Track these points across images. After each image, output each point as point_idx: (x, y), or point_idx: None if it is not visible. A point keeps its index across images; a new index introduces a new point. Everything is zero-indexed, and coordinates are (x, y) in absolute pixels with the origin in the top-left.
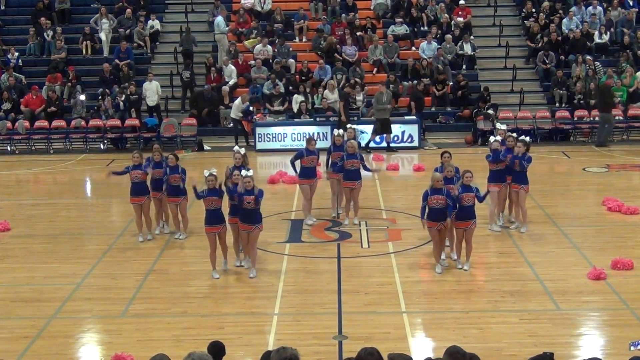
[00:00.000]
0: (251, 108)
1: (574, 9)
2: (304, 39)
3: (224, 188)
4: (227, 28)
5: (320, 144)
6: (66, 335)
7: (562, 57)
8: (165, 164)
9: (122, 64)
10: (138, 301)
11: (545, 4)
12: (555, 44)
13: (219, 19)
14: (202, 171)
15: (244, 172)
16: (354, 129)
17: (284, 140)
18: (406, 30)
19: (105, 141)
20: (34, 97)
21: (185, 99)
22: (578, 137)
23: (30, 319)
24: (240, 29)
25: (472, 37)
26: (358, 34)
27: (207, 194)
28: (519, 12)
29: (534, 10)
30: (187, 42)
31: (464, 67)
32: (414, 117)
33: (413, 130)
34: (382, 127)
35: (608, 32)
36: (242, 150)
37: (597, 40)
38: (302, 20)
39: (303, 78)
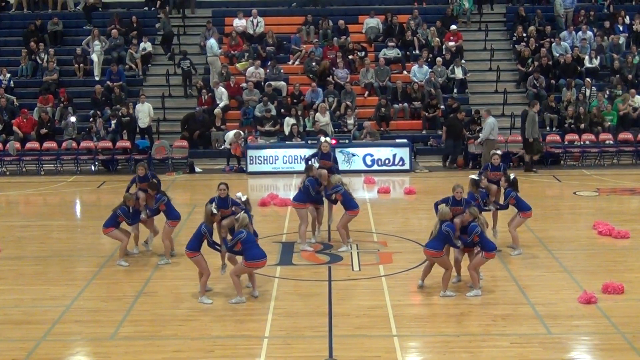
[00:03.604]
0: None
1: (564, 33)
2: (297, 62)
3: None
4: (219, 50)
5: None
6: (55, 358)
7: (553, 82)
8: (152, 176)
9: (114, 85)
10: (128, 324)
11: (532, 28)
12: (545, 68)
13: (212, 42)
14: (193, 193)
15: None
16: (328, 142)
17: (275, 163)
18: (398, 54)
19: (97, 163)
20: (24, 120)
21: (187, 87)
22: (569, 161)
23: (19, 342)
24: (232, 52)
25: (463, 61)
26: (350, 57)
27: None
28: (510, 36)
29: (524, 34)
30: (167, 25)
31: (455, 90)
32: (405, 141)
33: (404, 153)
34: (537, 147)
35: (598, 57)
36: (244, 197)
37: (587, 64)
38: (296, 45)
39: (295, 101)
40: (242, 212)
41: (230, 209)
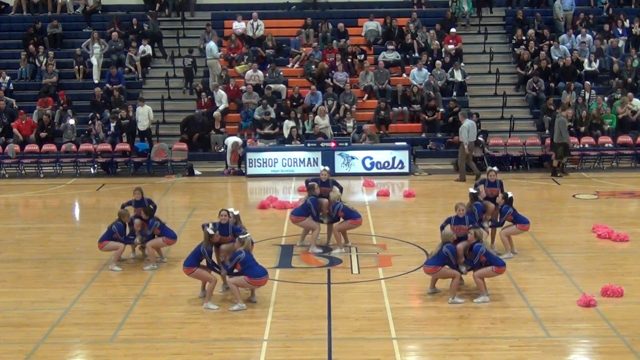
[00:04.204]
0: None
1: (563, 36)
2: (296, 65)
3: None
4: (219, 53)
5: (310, 170)
6: None
7: (552, 85)
8: (148, 202)
9: (114, 88)
10: (127, 326)
11: (531, 31)
12: (545, 72)
13: (212, 45)
14: (193, 196)
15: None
16: (327, 171)
17: (274, 166)
18: (397, 57)
19: (96, 165)
20: (23, 122)
21: (187, 85)
22: (568, 164)
23: (18, 344)
24: (231, 55)
25: (462, 64)
26: (348, 60)
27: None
28: (509, 39)
29: (524, 37)
30: (155, 26)
31: (455, 93)
32: (404, 143)
33: (403, 156)
34: (565, 151)
35: (598, 60)
36: (236, 212)
37: (586, 67)
38: (296, 48)
39: (294, 104)
40: (247, 235)
41: (230, 235)
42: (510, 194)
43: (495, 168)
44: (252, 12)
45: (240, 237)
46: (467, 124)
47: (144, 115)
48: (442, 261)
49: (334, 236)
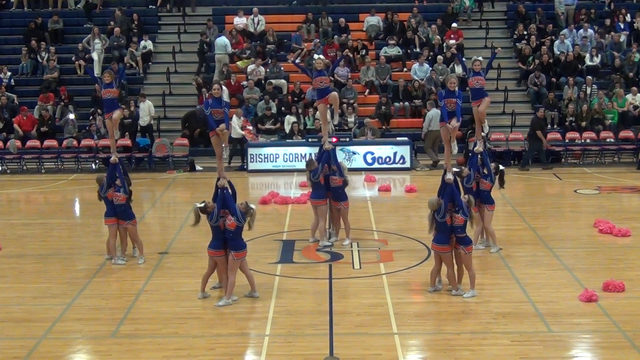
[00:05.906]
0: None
1: (565, 31)
2: (297, 60)
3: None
4: (234, 50)
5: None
6: (56, 356)
7: (554, 80)
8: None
9: None
10: (128, 322)
11: (532, 26)
12: (546, 66)
13: (226, 40)
14: (194, 192)
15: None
16: (322, 59)
17: (275, 161)
18: (398, 52)
19: (97, 161)
20: (24, 117)
21: (200, 69)
22: (569, 159)
23: (20, 340)
24: (233, 50)
25: (463, 59)
26: (350, 55)
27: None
28: (511, 34)
29: (525, 32)
30: (124, 23)
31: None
32: (405, 139)
33: (405, 151)
34: None
35: (599, 55)
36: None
37: (588, 62)
38: (297, 43)
39: (295, 99)
40: (254, 208)
41: (223, 109)
42: (502, 167)
43: (480, 58)
44: (253, 8)
45: (251, 206)
46: (431, 113)
47: (145, 110)
48: (448, 233)
49: (344, 227)
